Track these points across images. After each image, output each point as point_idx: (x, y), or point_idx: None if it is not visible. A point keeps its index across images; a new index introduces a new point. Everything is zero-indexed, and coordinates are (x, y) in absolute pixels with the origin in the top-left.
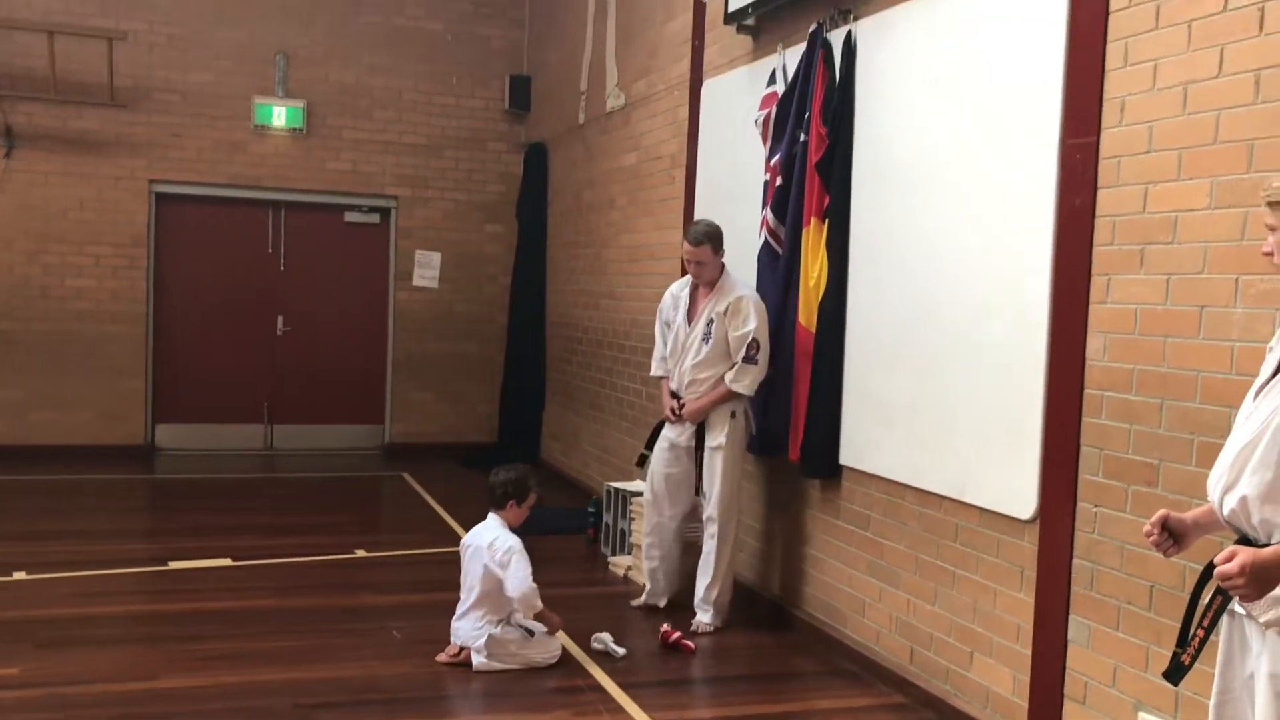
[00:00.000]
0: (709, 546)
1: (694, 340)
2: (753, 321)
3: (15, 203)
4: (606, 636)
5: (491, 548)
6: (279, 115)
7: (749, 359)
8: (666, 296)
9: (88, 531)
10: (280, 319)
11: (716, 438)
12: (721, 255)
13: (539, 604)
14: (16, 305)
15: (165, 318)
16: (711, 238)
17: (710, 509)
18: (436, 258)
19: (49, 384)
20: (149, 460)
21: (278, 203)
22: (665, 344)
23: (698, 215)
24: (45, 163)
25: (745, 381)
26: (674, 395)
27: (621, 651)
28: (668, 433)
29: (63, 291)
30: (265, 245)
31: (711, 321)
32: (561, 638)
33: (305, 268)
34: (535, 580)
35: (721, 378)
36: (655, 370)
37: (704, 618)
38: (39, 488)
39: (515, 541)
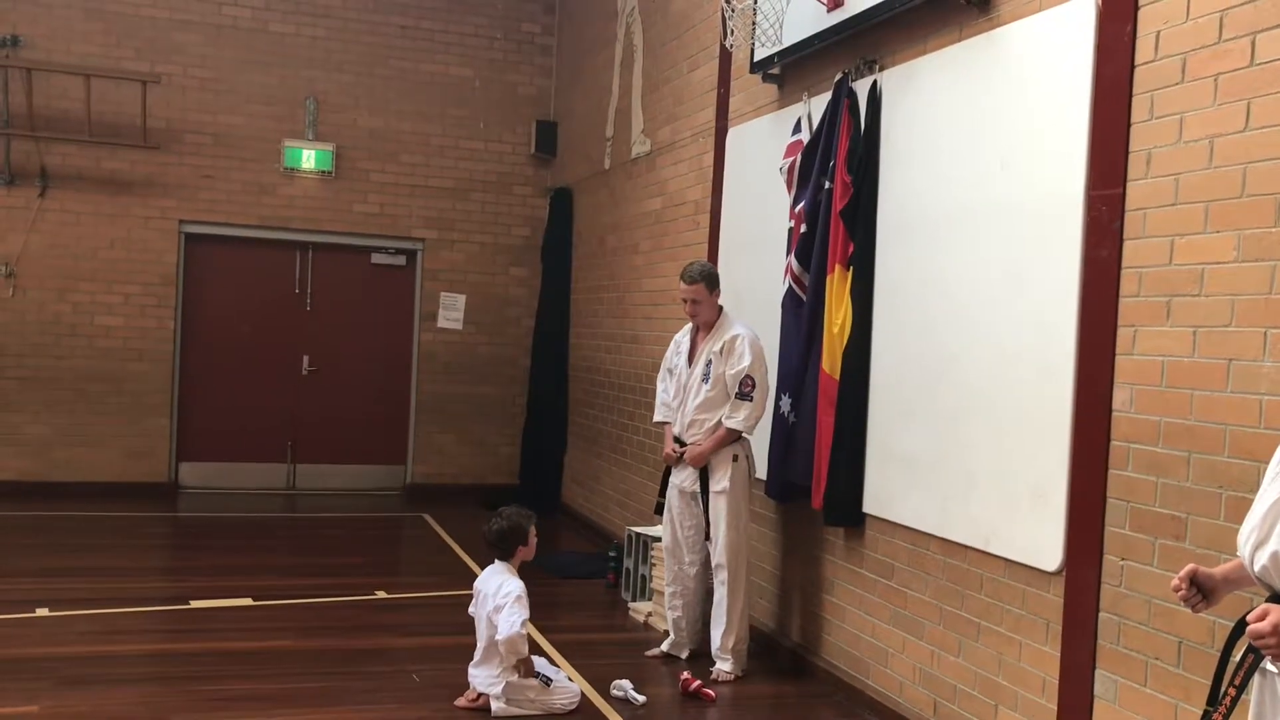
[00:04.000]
0: (720, 593)
1: (694, 382)
2: (747, 358)
3: (47, 241)
4: (626, 683)
5: (495, 593)
6: (308, 158)
7: (744, 395)
8: (671, 345)
9: (110, 569)
10: (305, 359)
11: (720, 482)
12: (717, 295)
13: (524, 650)
14: (45, 342)
15: (192, 356)
16: (706, 276)
17: (717, 555)
18: (461, 300)
19: (75, 421)
20: (172, 498)
21: (305, 244)
22: (668, 390)
23: (722, 261)
24: (77, 202)
25: (740, 417)
26: (677, 440)
27: (641, 699)
28: (673, 479)
29: (91, 329)
30: (292, 286)
31: (710, 362)
32: (581, 684)
33: (331, 308)
34: (555, 624)
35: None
36: (658, 416)
37: (724, 666)
38: (63, 524)
39: (515, 587)
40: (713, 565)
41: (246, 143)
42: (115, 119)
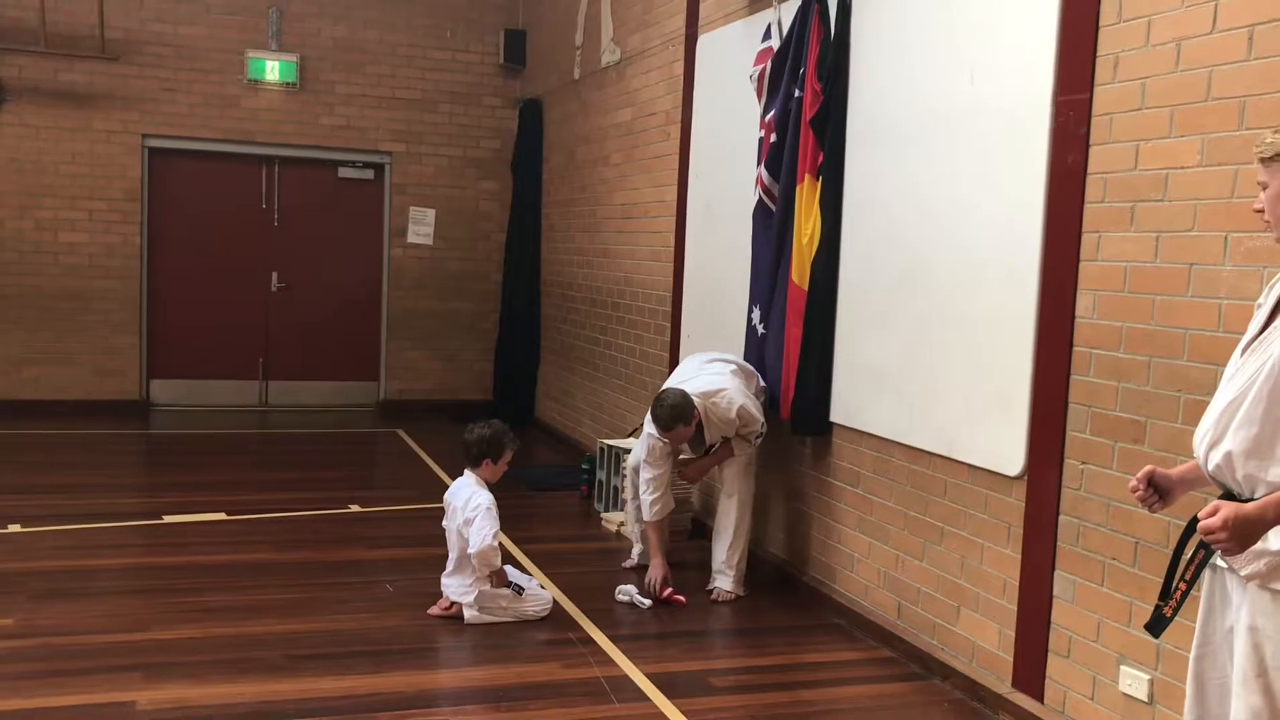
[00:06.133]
0: (725, 506)
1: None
2: (749, 418)
3: (6, 156)
4: (630, 589)
5: (465, 506)
6: (272, 69)
7: (754, 437)
8: (652, 443)
9: (82, 485)
10: (275, 275)
11: None
12: (696, 417)
13: (497, 563)
14: (9, 260)
15: (159, 273)
16: (678, 418)
17: (727, 468)
18: (431, 214)
19: (43, 339)
20: (144, 415)
21: (271, 158)
22: (657, 485)
23: (693, 173)
24: (36, 116)
25: (754, 448)
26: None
27: (647, 603)
28: None
29: (55, 246)
30: (259, 201)
31: (724, 440)
32: (554, 591)
33: (299, 224)
34: (529, 534)
35: (728, 442)
36: (650, 515)
37: (724, 585)
38: (34, 442)
39: (485, 499)
40: (722, 477)
41: (208, 54)
42: (71, 30)
